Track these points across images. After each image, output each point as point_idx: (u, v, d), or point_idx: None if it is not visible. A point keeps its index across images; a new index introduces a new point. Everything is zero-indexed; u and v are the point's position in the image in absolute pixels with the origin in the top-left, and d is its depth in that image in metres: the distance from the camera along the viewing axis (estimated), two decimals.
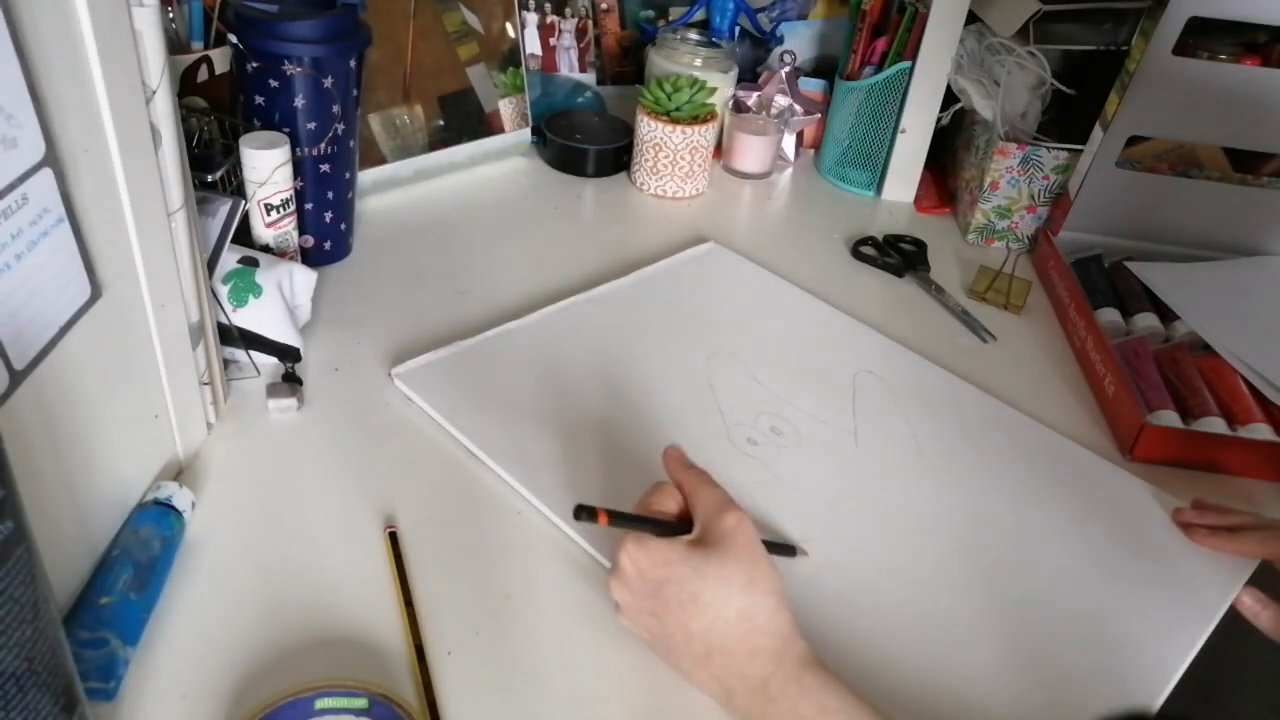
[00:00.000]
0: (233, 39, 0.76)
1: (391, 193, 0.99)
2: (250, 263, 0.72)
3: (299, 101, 0.77)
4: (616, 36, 1.26)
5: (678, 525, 0.56)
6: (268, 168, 0.75)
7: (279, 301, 0.72)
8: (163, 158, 0.56)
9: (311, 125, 0.79)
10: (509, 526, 0.64)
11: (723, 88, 1.11)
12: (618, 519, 0.54)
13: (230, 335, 0.70)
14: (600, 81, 1.25)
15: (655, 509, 0.56)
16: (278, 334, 0.72)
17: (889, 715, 0.49)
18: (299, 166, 0.80)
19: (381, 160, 0.96)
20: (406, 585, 0.58)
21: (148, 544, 0.56)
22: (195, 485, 0.62)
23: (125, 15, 0.51)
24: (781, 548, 0.62)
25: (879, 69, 1.07)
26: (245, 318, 0.70)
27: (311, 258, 0.85)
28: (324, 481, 0.65)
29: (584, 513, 0.52)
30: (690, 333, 0.83)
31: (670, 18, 1.27)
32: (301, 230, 0.83)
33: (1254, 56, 0.94)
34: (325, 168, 0.82)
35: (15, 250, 0.44)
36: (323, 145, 0.81)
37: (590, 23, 1.22)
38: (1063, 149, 0.99)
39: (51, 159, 0.46)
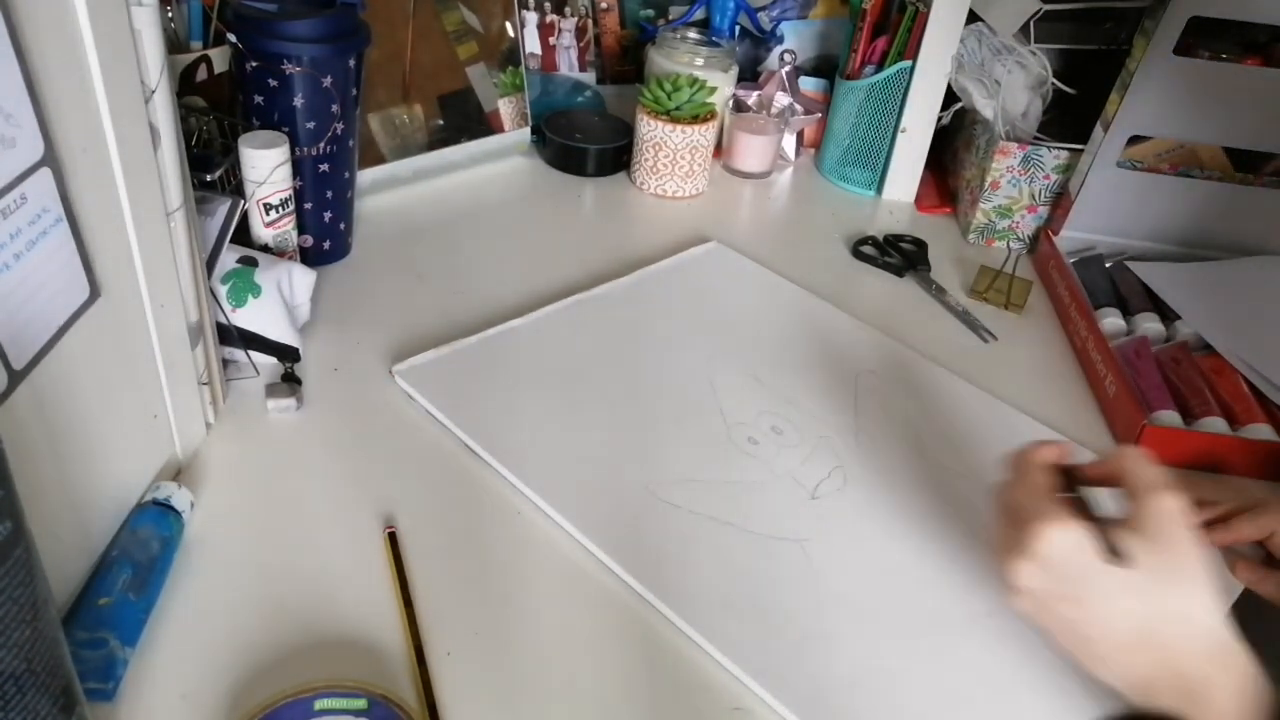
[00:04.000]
0: (232, 38, 0.76)
1: (391, 192, 0.99)
2: (249, 262, 0.72)
3: (298, 101, 0.77)
4: (616, 35, 1.26)
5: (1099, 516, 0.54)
6: (267, 167, 0.74)
7: (278, 301, 0.72)
8: (162, 157, 0.56)
9: (311, 124, 0.79)
10: (509, 526, 0.64)
11: (723, 87, 1.10)
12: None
13: (229, 335, 0.70)
14: (600, 81, 1.25)
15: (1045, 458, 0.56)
16: (277, 334, 0.72)
17: None
18: (298, 166, 0.80)
19: (381, 160, 0.96)
20: (406, 585, 0.58)
21: (147, 544, 0.56)
22: (194, 485, 0.62)
23: (124, 14, 0.51)
24: None
25: (879, 68, 1.06)
26: (244, 317, 0.70)
27: (311, 257, 0.85)
28: (323, 481, 0.65)
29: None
30: (691, 332, 0.83)
31: (670, 17, 1.27)
32: (301, 230, 0.83)
33: (1255, 56, 0.94)
34: (324, 167, 0.82)
35: (14, 250, 0.44)
36: (322, 145, 0.80)
37: (590, 22, 1.22)
38: (1063, 148, 0.99)
39: (50, 158, 0.46)
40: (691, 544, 0.63)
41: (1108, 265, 0.97)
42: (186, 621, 0.55)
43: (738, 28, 1.23)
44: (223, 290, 0.70)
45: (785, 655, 0.57)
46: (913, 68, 1.04)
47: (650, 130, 1.03)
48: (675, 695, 0.55)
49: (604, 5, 1.23)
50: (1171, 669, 0.50)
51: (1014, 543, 0.53)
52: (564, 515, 0.64)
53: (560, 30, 1.19)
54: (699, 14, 1.23)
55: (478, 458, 0.68)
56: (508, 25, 1.04)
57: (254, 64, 0.76)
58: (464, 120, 1.02)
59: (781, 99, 1.16)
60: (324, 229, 0.85)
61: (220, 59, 0.83)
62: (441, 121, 1.00)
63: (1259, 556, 0.67)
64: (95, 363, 0.52)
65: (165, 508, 0.58)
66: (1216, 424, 0.77)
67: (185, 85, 0.81)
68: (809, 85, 1.20)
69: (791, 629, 0.58)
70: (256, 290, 0.71)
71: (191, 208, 0.61)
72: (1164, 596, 0.50)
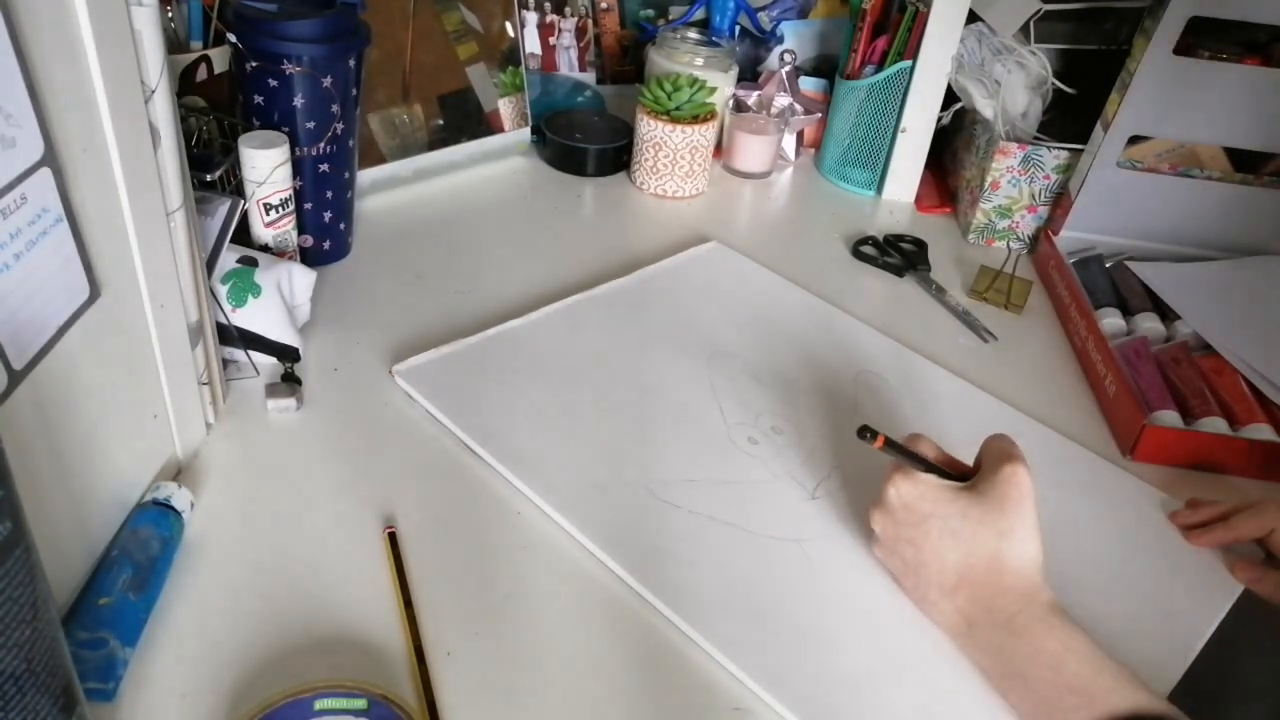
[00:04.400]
0: (232, 38, 0.76)
1: (391, 192, 0.99)
2: (249, 262, 0.72)
3: (298, 101, 0.77)
4: (616, 35, 1.26)
5: (944, 470, 0.59)
6: (267, 167, 0.74)
7: (278, 301, 0.72)
8: (162, 157, 0.56)
9: (311, 124, 0.79)
10: (509, 526, 0.64)
11: (723, 87, 1.11)
12: (891, 446, 0.58)
13: (229, 335, 0.70)
14: (600, 81, 1.25)
15: (918, 448, 0.60)
16: (277, 334, 0.72)
17: (1133, 672, 0.50)
18: (298, 166, 0.80)
19: (381, 160, 0.96)
20: (406, 585, 0.58)
21: (147, 544, 0.56)
22: (194, 485, 0.62)
23: (124, 14, 0.51)
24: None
25: (880, 68, 1.07)
26: (244, 317, 0.70)
27: (311, 257, 0.85)
28: (323, 482, 0.65)
29: (867, 433, 0.57)
30: (691, 332, 0.83)
31: (670, 17, 1.27)
32: (301, 230, 0.83)
33: (1254, 56, 0.94)
34: (324, 167, 0.82)
35: (14, 250, 0.44)
36: (322, 145, 0.80)
37: (590, 22, 1.22)
38: (1063, 148, 0.99)
39: (50, 158, 0.46)
40: (691, 544, 0.63)
41: (1108, 265, 0.97)
42: (187, 621, 0.55)
43: (738, 28, 1.23)
44: (223, 290, 0.70)
45: (785, 655, 0.57)
46: (913, 68, 1.04)
47: (650, 130, 1.03)
48: (675, 695, 0.55)
49: (604, 5, 1.24)
50: (983, 605, 0.55)
51: (876, 499, 0.60)
52: (564, 515, 0.64)
53: (560, 30, 1.19)
54: (699, 14, 1.23)
55: (478, 458, 0.68)
56: (508, 25, 1.04)
57: (254, 64, 0.76)
58: (464, 120, 1.02)
59: (781, 99, 1.16)
60: (324, 229, 0.85)
61: (220, 59, 0.83)
62: (441, 121, 1.00)
63: (1259, 556, 0.67)
64: (95, 362, 0.52)
65: (165, 508, 0.58)
66: (1216, 424, 0.77)
67: (185, 85, 0.82)
68: (809, 85, 1.20)
69: (791, 629, 0.58)
70: (256, 290, 0.71)
71: (191, 208, 0.61)
72: (979, 540, 0.55)
